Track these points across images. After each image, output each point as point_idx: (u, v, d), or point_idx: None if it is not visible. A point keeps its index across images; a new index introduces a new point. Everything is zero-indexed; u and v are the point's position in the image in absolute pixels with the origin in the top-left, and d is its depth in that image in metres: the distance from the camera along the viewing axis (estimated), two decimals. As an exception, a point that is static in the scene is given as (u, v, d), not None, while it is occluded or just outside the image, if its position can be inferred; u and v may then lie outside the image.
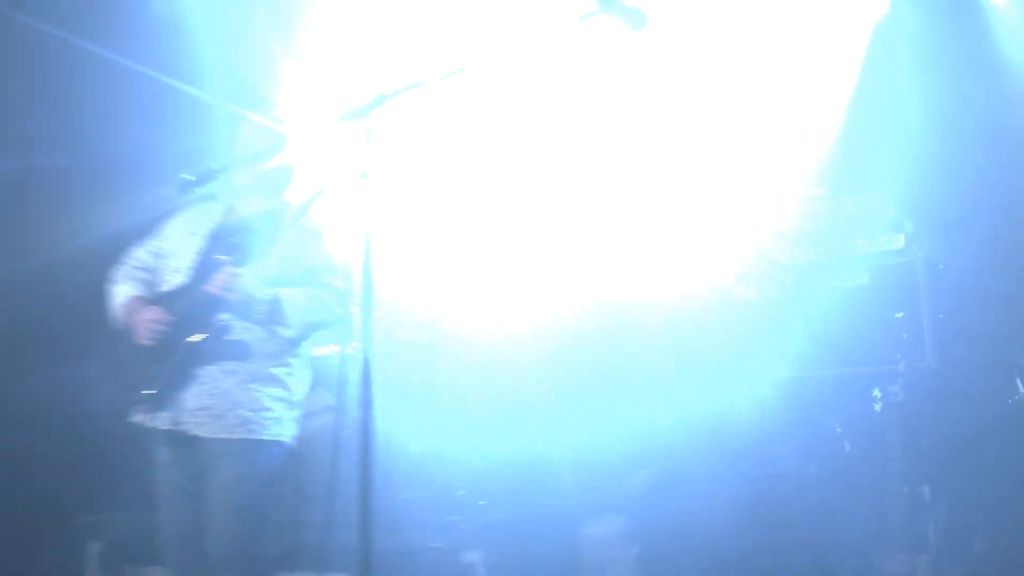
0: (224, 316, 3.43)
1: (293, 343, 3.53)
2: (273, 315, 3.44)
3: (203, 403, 3.42)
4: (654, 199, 5.19)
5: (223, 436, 3.41)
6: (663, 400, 4.72)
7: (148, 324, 3.45)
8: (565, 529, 4.71)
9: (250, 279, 3.38)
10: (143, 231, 3.82)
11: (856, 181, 4.94)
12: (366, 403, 2.60)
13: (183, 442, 3.44)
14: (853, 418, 4.50)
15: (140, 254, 3.75)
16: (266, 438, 3.45)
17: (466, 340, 5.39)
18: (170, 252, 3.66)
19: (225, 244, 3.44)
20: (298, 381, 3.59)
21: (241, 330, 3.45)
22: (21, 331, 5.30)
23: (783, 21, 5.13)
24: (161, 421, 3.45)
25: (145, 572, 5.64)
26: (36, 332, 5.35)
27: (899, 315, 4.43)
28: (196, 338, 3.40)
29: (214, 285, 3.34)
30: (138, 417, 3.47)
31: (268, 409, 3.46)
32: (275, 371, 3.50)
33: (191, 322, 3.43)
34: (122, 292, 3.63)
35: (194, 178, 3.44)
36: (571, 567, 4.68)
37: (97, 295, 3.74)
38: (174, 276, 3.58)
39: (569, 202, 5.39)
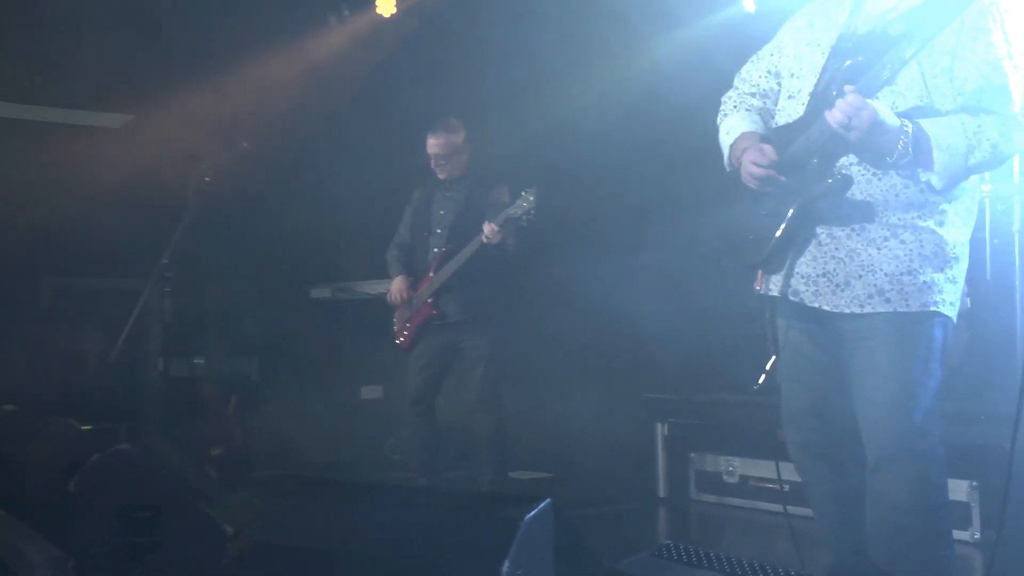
0: (846, 160, 2.71)
1: (944, 191, 2.68)
2: (914, 157, 2.61)
3: (823, 268, 2.75)
4: None
5: (850, 310, 2.71)
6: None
7: (749, 167, 2.81)
8: None
9: (882, 110, 2.56)
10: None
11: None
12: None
13: (803, 314, 2.83)
14: None
15: (753, 75, 3.08)
16: (913, 310, 2.67)
17: None
18: (787, 70, 2.94)
19: (848, 62, 2.65)
20: (954, 231, 2.73)
21: (869, 178, 2.70)
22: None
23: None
24: (771, 287, 2.86)
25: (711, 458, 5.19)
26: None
27: None
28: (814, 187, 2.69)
29: (832, 118, 2.58)
30: (755, 282, 2.90)
31: (911, 272, 2.68)
32: (921, 223, 2.69)
33: (804, 166, 2.73)
34: (730, 126, 3.00)
35: None
36: None
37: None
38: (789, 104, 2.88)
39: None
